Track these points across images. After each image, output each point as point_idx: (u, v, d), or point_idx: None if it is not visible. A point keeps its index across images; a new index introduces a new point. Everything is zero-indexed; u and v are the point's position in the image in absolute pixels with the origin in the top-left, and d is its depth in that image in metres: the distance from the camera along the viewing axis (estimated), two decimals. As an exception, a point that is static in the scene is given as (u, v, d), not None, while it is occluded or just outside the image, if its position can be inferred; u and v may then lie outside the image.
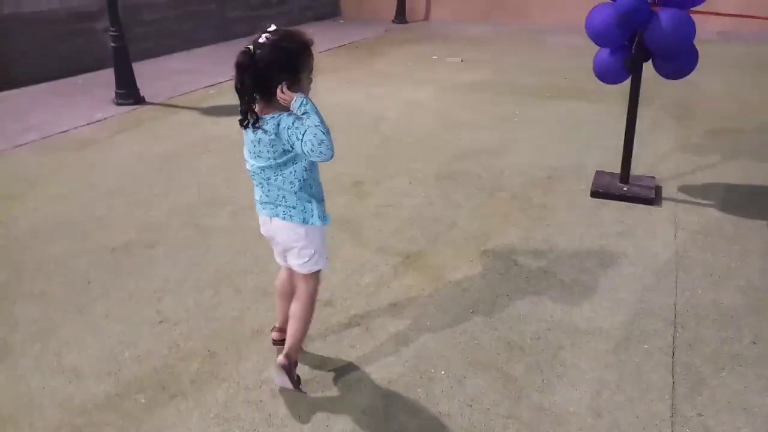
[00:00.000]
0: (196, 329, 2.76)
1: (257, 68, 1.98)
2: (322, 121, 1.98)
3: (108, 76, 6.71)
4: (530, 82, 7.18)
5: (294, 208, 2.16)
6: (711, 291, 2.98)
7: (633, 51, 3.74)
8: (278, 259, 2.42)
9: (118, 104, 6.42)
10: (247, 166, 2.19)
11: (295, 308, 2.33)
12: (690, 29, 3.49)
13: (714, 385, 2.36)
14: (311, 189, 2.17)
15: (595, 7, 3.79)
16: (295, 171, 2.11)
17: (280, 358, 2.24)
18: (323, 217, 2.21)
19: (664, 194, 4.07)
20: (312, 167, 2.16)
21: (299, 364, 2.37)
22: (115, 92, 6.48)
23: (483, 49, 9.23)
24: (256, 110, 2.05)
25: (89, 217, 3.95)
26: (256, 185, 2.21)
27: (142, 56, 8.40)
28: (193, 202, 4.14)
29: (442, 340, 2.66)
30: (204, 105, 6.45)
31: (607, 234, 3.57)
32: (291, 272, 2.41)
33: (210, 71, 7.95)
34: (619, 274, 3.15)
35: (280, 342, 2.48)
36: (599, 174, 4.27)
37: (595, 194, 4.04)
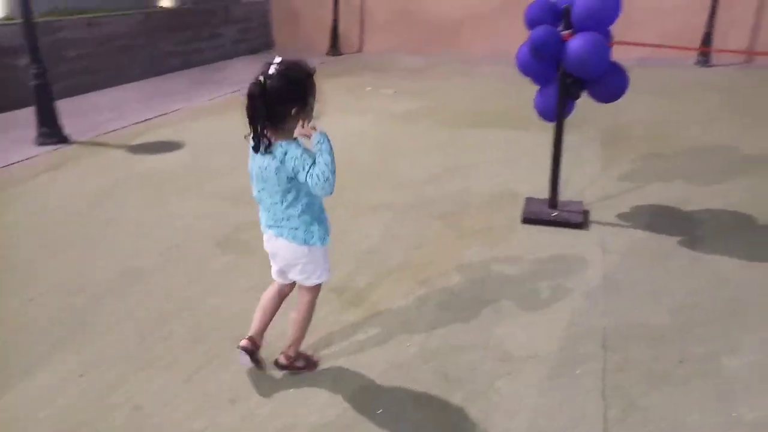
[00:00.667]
0: (122, 380, 2.63)
1: (268, 97, 2.13)
2: (332, 161, 2.19)
3: (31, 114, 6.45)
4: (465, 110, 7.34)
5: (297, 229, 2.34)
6: (639, 312, 3.07)
7: (563, 82, 3.86)
8: (275, 275, 2.56)
9: (40, 144, 6.16)
10: (254, 192, 2.37)
11: (296, 317, 2.58)
12: (603, 50, 3.64)
13: (645, 407, 2.41)
14: (314, 212, 2.36)
15: (522, 45, 3.92)
16: (298, 196, 2.29)
17: (281, 358, 2.60)
18: (323, 239, 2.41)
19: (592, 218, 4.20)
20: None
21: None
22: (37, 131, 6.22)
23: (418, 80, 9.39)
24: (267, 135, 2.19)
25: (7, 265, 3.74)
26: (263, 210, 2.40)
27: (68, 93, 8.13)
28: (119, 243, 3.98)
29: (379, 376, 2.62)
30: (132, 142, 6.28)
31: (540, 259, 3.64)
32: (280, 289, 2.60)
33: (139, 107, 7.76)
34: (552, 299, 3.21)
35: (246, 350, 2.54)
36: (529, 200, 4.37)
37: (526, 220, 4.12)
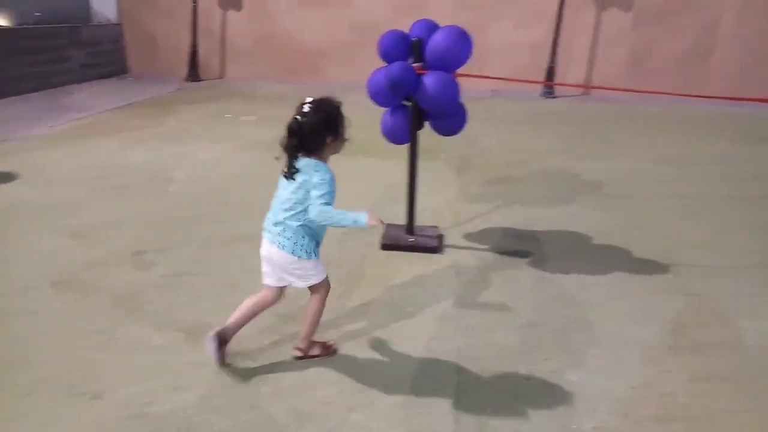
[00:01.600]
0: None
1: (305, 132, 2.53)
2: (337, 224, 2.55)
3: None
4: (326, 138, 7.35)
5: (288, 239, 2.58)
6: (490, 332, 3.17)
7: (415, 113, 3.96)
8: (267, 280, 2.74)
9: None
10: (271, 207, 2.68)
11: (306, 313, 2.81)
12: (453, 90, 3.79)
13: (495, 426, 2.46)
14: (311, 229, 2.61)
15: (373, 73, 3.97)
16: (304, 212, 2.55)
17: (295, 351, 2.87)
18: (309, 254, 2.62)
19: (447, 242, 4.32)
20: None
21: None
22: None
23: (281, 107, 9.23)
24: (296, 165, 2.57)
25: None
26: (271, 213, 2.67)
27: None
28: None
29: (230, 419, 2.47)
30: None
31: (397, 285, 3.67)
32: (263, 297, 2.77)
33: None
34: (408, 324, 3.23)
35: (218, 338, 2.71)
36: (389, 227, 4.42)
37: (385, 247, 4.16)
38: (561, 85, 10.50)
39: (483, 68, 10.46)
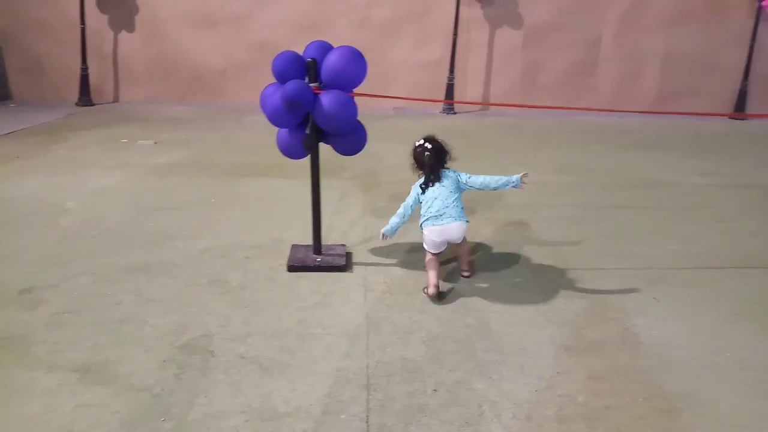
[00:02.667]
0: None
1: (437, 156, 4.02)
2: (496, 184, 4.10)
3: None
4: (228, 161, 7.19)
5: (461, 214, 3.91)
6: (398, 347, 3.20)
7: (308, 131, 3.96)
8: (436, 250, 3.93)
9: None
10: (436, 206, 3.88)
11: (467, 248, 4.17)
12: (351, 108, 3.83)
13: (405, 442, 2.47)
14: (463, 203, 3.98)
15: (265, 88, 3.94)
16: (461, 197, 3.97)
17: (465, 273, 4.15)
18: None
19: (354, 259, 4.33)
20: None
21: None
22: None
23: (179, 130, 9.02)
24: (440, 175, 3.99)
25: None
26: (441, 211, 3.86)
27: None
28: None
29: (128, 461, 2.34)
30: None
31: (305, 307, 3.63)
32: (436, 258, 3.92)
33: None
34: (317, 346, 3.20)
35: (439, 294, 3.80)
36: (295, 248, 4.38)
37: (291, 268, 4.11)
38: (456, 102, 10.87)
39: (385, 86, 10.73)
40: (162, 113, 10.33)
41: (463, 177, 4.01)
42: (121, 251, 4.44)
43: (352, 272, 4.14)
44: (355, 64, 3.74)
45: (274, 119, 3.92)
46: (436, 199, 3.88)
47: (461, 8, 10.41)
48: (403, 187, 6.30)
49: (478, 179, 4.02)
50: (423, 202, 3.94)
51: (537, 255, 4.52)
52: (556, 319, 3.55)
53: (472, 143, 8.53)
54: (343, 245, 4.48)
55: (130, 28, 11.00)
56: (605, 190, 6.24)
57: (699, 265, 4.43)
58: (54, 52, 11.01)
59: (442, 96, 10.76)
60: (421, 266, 4.25)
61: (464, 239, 4.03)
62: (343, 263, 4.16)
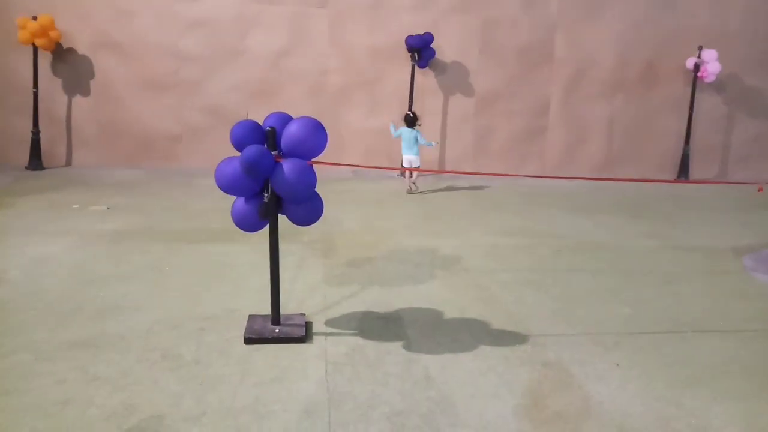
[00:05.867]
0: None
1: (409, 118, 9.20)
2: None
3: None
4: (181, 226, 7.04)
5: (417, 151, 9.25)
6: (360, 424, 3.09)
7: (266, 198, 3.91)
8: (407, 164, 9.26)
9: None
10: (404, 143, 9.17)
11: (415, 172, 9.14)
12: (311, 177, 3.82)
13: None
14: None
15: (221, 162, 3.90)
16: (417, 142, 9.14)
17: (413, 186, 9.50)
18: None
19: (314, 329, 4.23)
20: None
21: None
22: None
23: (131, 195, 8.83)
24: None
25: None
26: (407, 146, 9.17)
27: None
28: None
29: None
30: None
31: (262, 382, 3.50)
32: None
33: None
34: (275, 425, 3.06)
35: (410, 190, 9.27)
36: (252, 318, 4.25)
37: (248, 340, 3.98)
38: (411, 170, 11.05)
39: (342, 149, 10.86)
40: (114, 177, 10.13)
41: (419, 135, 9.05)
42: (65, 325, 4.22)
43: (311, 343, 4.03)
44: (316, 135, 3.77)
45: (231, 186, 3.87)
46: (406, 139, 9.05)
47: (415, 76, 10.74)
48: (362, 252, 6.31)
49: (421, 140, 9.03)
50: (402, 137, 9.06)
51: (496, 321, 4.51)
52: (518, 389, 3.52)
53: (429, 207, 8.64)
54: (302, 314, 4.38)
55: (84, 92, 10.89)
56: (556, 254, 6.36)
57: (653, 329, 4.51)
58: (2, 114, 10.76)
59: (398, 159, 10.91)
60: (383, 334, 4.20)
61: (418, 166, 9.01)
62: (303, 334, 4.05)
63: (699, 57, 10.95)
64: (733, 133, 11.93)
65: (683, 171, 11.47)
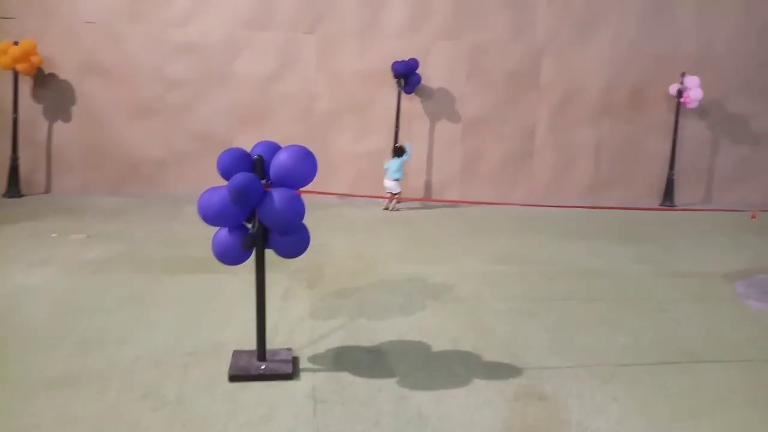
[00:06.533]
0: None
1: (397, 150, 9.87)
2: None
3: None
4: (165, 255, 6.87)
5: (399, 176, 9.81)
6: (352, 468, 2.94)
7: (252, 229, 3.79)
8: (387, 189, 9.77)
9: None
10: (390, 170, 9.74)
11: (395, 196, 9.96)
12: (299, 207, 3.71)
13: None
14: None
15: (206, 192, 3.79)
16: (402, 168, 9.83)
17: (390, 206, 10.06)
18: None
19: (301, 365, 4.09)
20: None
21: None
22: None
23: (113, 222, 8.64)
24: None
25: None
26: (390, 172, 9.69)
27: None
28: None
29: None
30: None
31: (249, 422, 3.34)
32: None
33: None
34: (263, 471, 2.90)
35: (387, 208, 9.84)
36: (236, 354, 4.09)
37: (233, 378, 3.82)
38: (401, 199, 10.99)
39: (329, 175, 10.75)
40: (96, 204, 9.93)
41: (404, 160, 9.70)
42: (43, 361, 4.04)
43: (299, 380, 3.88)
44: (306, 163, 3.67)
45: (216, 216, 3.74)
46: (390, 167, 9.63)
47: (402, 102, 10.72)
48: (350, 281, 6.17)
49: (405, 158, 9.75)
50: (389, 168, 9.67)
51: (490, 352, 4.39)
52: (516, 426, 3.39)
53: (418, 232, 8.54)
54: (289, 349, 4.23)
55: (66, 117, 10.72)
56: (549, 281, 6.27)
57: (650, 359, 4.41)
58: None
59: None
60: (374, 369, 4.07)
61: (398, 192, 9.70)
62: (290, 371, 3.90)
63: (682, 83, 11.05)
64: (718, 158, 12.01)
65: (668, 196, 11.50)
